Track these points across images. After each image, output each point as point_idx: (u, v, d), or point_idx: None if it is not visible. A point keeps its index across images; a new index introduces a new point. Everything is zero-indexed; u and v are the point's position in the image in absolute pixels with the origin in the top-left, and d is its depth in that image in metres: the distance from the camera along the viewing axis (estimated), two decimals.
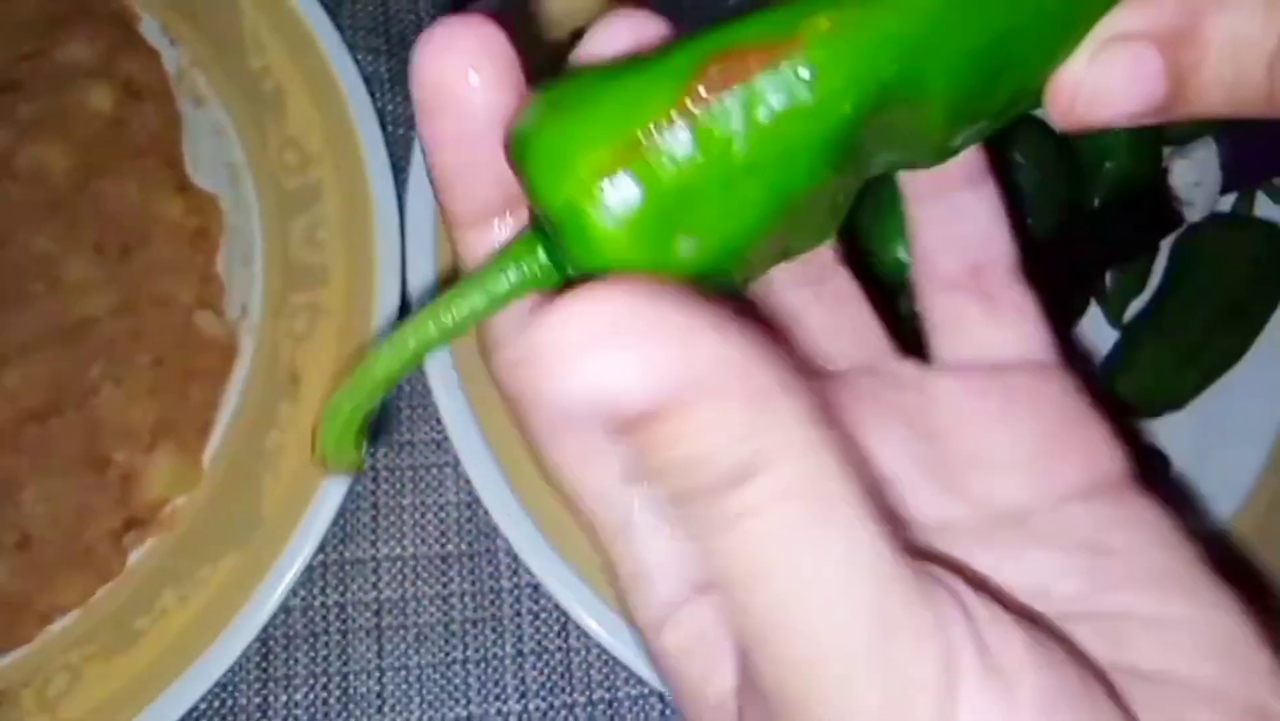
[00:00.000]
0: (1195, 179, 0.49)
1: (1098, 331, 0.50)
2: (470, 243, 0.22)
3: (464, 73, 0.20)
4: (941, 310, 0.25)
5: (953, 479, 0.23)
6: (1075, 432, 0.24)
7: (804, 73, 0.18)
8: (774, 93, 0.18)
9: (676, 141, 0.18)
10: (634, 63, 0.19)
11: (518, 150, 0.19)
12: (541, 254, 0.20)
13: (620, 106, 0.18)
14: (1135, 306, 0.51)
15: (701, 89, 0.18)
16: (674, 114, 0.18)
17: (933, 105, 0.19)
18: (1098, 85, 0.21)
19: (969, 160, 0.25)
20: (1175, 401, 0.49)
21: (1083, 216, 0.49)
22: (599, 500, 0.22)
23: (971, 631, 0.18)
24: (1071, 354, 0.26)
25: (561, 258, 0.19)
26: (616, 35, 0.20)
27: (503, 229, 0.22)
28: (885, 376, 0.25)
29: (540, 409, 0.19)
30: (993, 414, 0.24)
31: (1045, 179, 0.49)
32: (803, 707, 0.17)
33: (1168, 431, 0.49)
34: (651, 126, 0.18)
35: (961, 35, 0.19)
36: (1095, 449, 0.24)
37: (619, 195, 0.18)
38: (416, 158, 0.50)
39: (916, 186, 0.25)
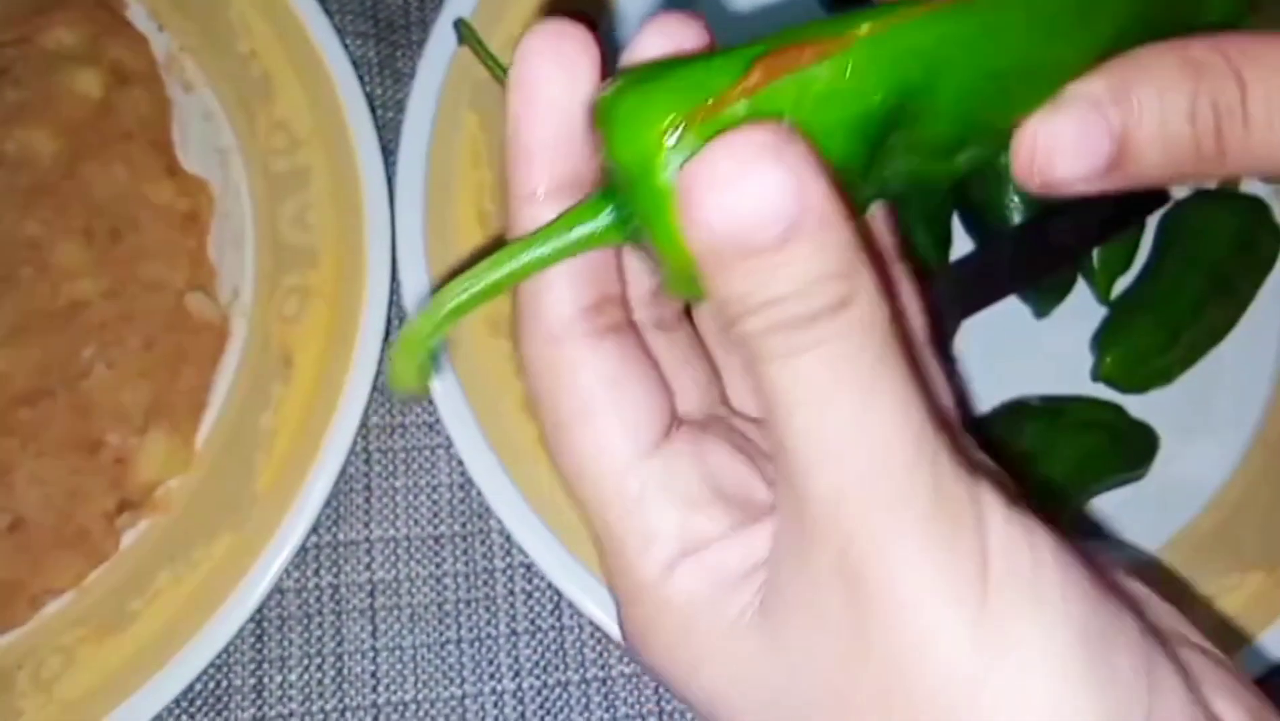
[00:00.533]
0: None
1: (1085, 308, 0.51)
2: (532, 216, 0.24)
3: (557, 70, 0.23)
4: None
5: None
6: None
7: (845, 65, 0.21)
8: (819, 79, 0.21)
9: (735, 111, 0.21)
10: (705, 54, 0.22)
11: (599, 115, 0.22)
12: (608, 214, 0.22)
13: (690, 83, 0.21)
14: (1123, 283, 0.51)
15: (759, 72, 0.21)
16: (736, 90, 0.21)
17: (943, 114, 0.23)
18: (1049, 140, 0.23)
19: (884, 244, 0.27)
20: (1163, 376, 0.50)
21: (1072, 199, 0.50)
22: (615, 477, 0.24)
23: (1001, 505, 0.21)
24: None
25: (627, 215, 0.22)
26: (668, 34, 0.23)
27: (562, 206, 0.24)
28: (722, 426, 0.26)
29: (696, 238, 0.21)
30: None
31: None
32: (850, 524, 0.21)
33: (1155, 406, 0.49)
34: (715, 99, 0.21)
35: (974, 59, 0.22)
36: None
37: (683, 153, 0.20)
38: (405, 140, 0.50)
39: None
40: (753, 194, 0.20)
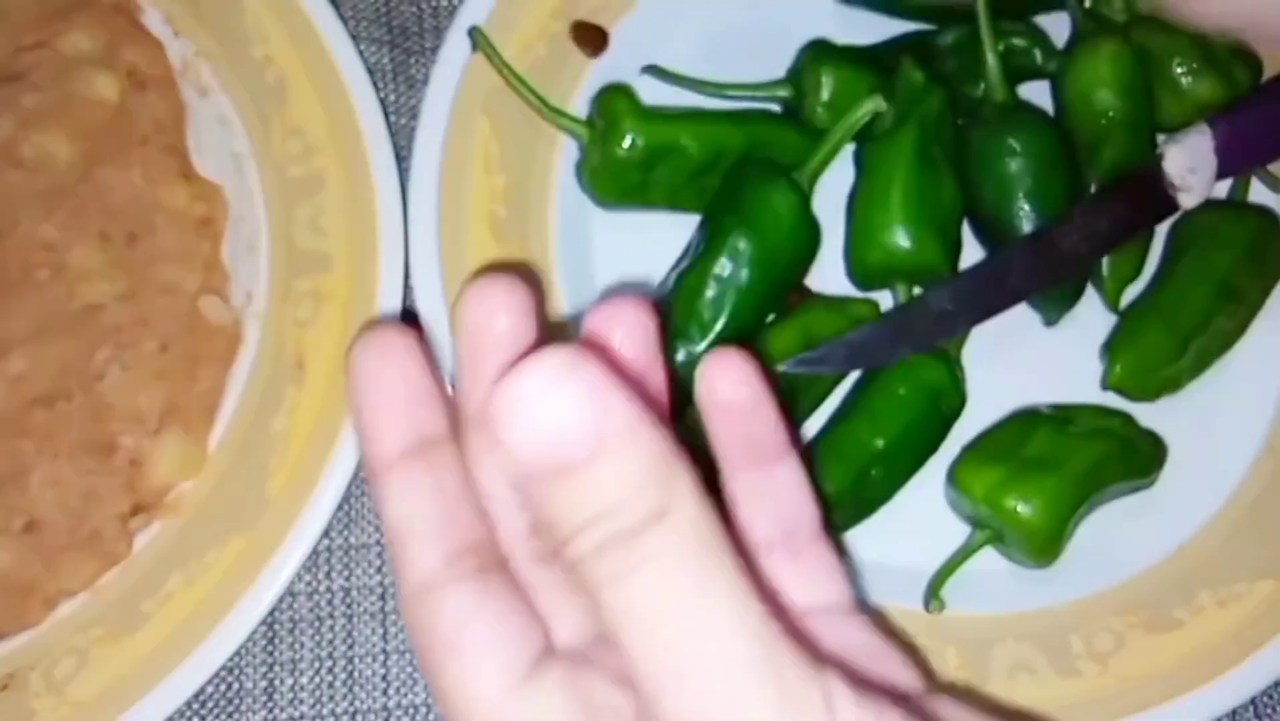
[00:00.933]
0: (1189, 165, 0.49)
1: (1095, 316, 0.51)
2: (389, 485, 0.26)
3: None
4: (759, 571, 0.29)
5: None
6: (876, 663, 0.28)
7: None
8: None
9: None
10: None
11: None
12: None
13: None
14: (1132, 291, 0.51)
15: None
16: None
17: None
18: None
19: (777, 437, 0.28)
20: (1172, 385, 0.50)
21: (1079, 203, 0.50)
22: (495, 709, 0.24)
23: (850, 691, 0.22)
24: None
25: None
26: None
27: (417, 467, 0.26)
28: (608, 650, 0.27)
29: (505, 465, 0.22)
30: None
31: (1043, 168, 0.49)
32: None
33: (1164, 414, 0.49)
34: None
35: None
36: (893, 674, 0.28)
37: None
38: (418, 145, 0.50)
39: (734, 462, 0.29)
40: (554, 413, 0.20)
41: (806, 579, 0.29)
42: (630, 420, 0.21)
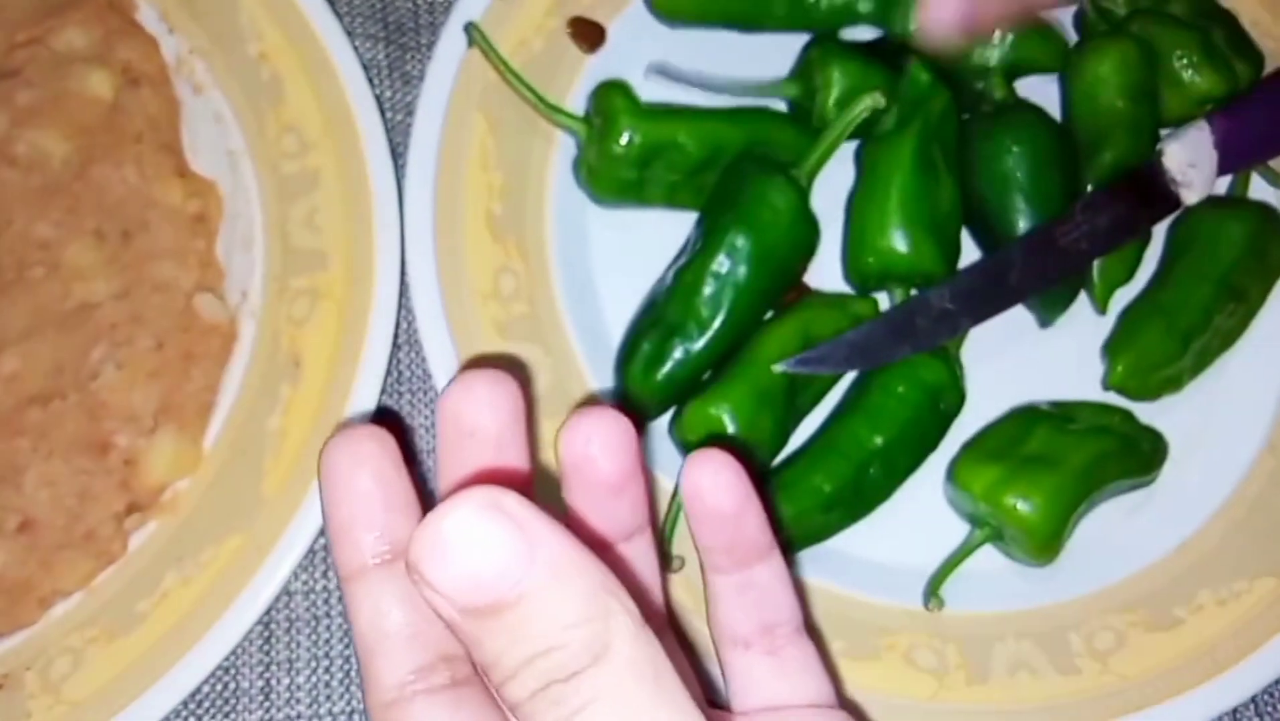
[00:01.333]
0: (1190, 160, 0.49)
1: (1094, 315, 0.51)
2: (364, 591, 0.26)
3: (358, 465, 0.25)
4: (735, 667, 0.29)
5: None
6: None
7: None
8: None
9: None
10: None
11: None
12: None
13: None
14: (1132, 291, 0.51)
15: None
16: None
17: None
18: None
19: (761, 539, 0.28)
20: (1173, 384, 0.49)
21: (1079, 200, 0.49)
22: None
23: None
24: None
25: None
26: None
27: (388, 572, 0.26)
28: None
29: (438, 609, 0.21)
30: None
31: (1041, 166, 0.49)
32: None
33: (1165, 412, 0.49)
34: None
35: None
36: None
37: None
38: (415, 142, 0.50)
39: (716, 561, 0.29)
40: (477, 552, 0.19)
41: (784, 675, 0.29)
42: (560, 556, 0.20)
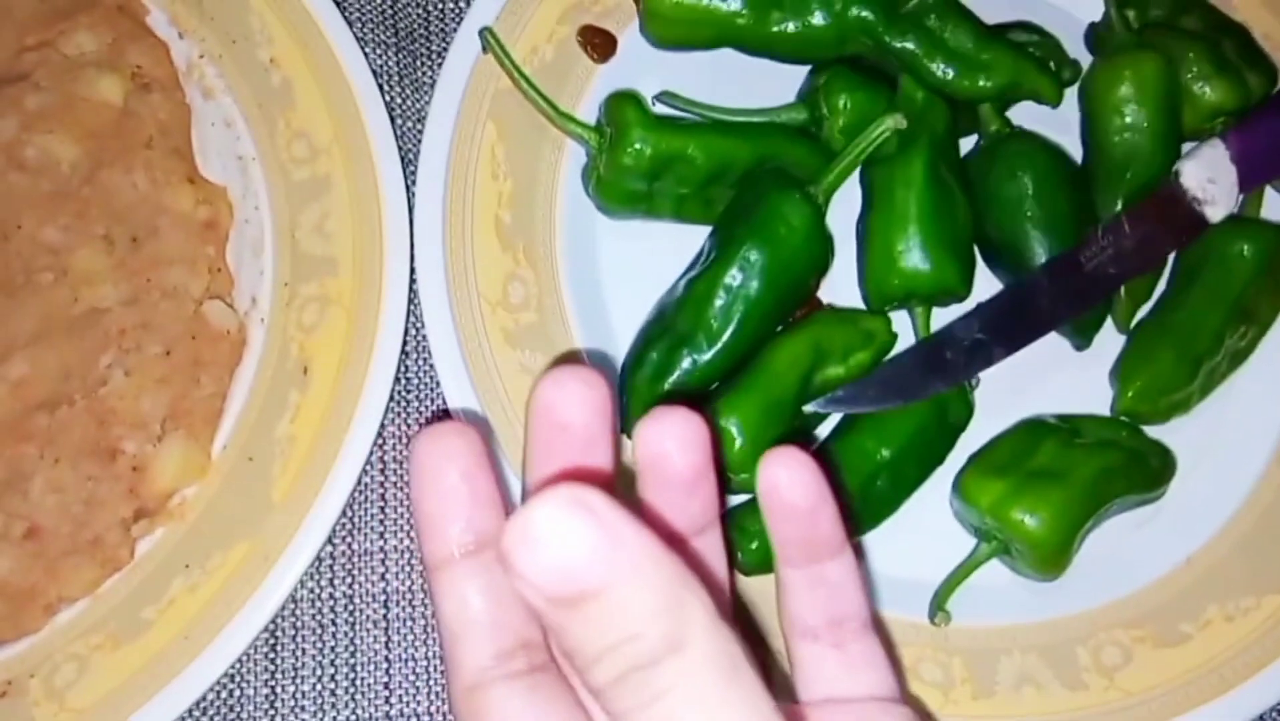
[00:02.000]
0: (1208, 176, 0.49)
1: (1105, 336, 0.51)
2: (450, 579, 0.27)
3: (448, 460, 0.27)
4: (803, 658, 0.30)
5: None
6: None
7: None
8: None
9: None
10: None
11: None
12: None
13: None
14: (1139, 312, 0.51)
15: None
16: None
17: None
18: None
19: (834, 536, 0.29)
20: (1182, 408, 0.49)
21: (1101, 224, 0.49)
22: None
23: None
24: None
25: None
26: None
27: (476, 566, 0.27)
28: None
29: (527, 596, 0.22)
30: None
31: (1045, 193, 0.49)
32: None
33: (1173, 429, 0.49)
34: None
35: None
36: None
37: None
38: (425, 149, 0.50)
39: (789, 555, 0.29)
40: (563, 546, 0.21)
41: (850, 669, 0.29)
42: (640, 551, 0.21)
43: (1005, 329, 0.48)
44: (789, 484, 0.28)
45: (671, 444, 0.27)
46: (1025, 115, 0.52)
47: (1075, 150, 0.52)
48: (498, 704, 0.25)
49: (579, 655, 0.22)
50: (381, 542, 0.48)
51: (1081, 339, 0.50)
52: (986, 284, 0.50)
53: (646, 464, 0.27)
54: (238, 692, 0.46)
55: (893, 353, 0.49)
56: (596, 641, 0.21)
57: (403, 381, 0.50)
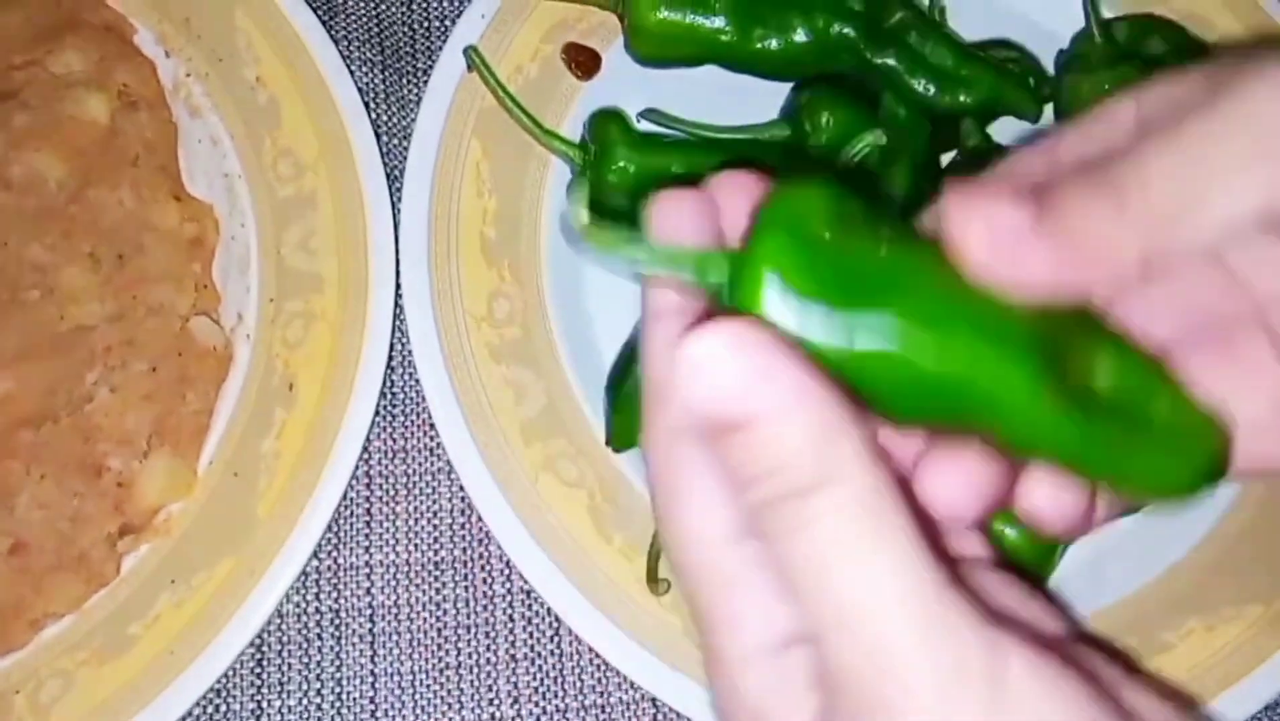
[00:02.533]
0: None
1: None
2: (664, 331, 0.27)
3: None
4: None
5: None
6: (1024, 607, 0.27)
7: None
8: None
9: None
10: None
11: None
12: (723, 272, 0.25)
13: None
14: None
15: None
16: None
17: None
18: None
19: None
20: None
21: None
22: (712, 551, 0.25)
23: (1026, 659, 0.22)
24: None
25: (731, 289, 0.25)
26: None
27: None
28: None
29: (681, 414, 0.24)
30: None
31: None
32: (869, 690, 0.22)
33: None
34: None
35: None
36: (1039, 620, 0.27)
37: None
38: (410, 166, 0.50)
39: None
40: (723, 376, 0.22)
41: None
42: (792, 390, 0.22)
43: None
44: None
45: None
46: (1006, 130, 0.52)
47: None
48: (691, 452, 0.25)
49: (738, 474, 0.23)
50: (367, 557, 0.48)
51: None
52: None
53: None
54: (224, 707, 0.46)
55: None
56: (749, 467, 0.23)
57: (388, 396, 0.50)
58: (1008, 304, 0.24)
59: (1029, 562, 0.45)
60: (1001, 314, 0.24)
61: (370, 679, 0.47)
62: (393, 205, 0.50)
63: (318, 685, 0.47)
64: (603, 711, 0.47)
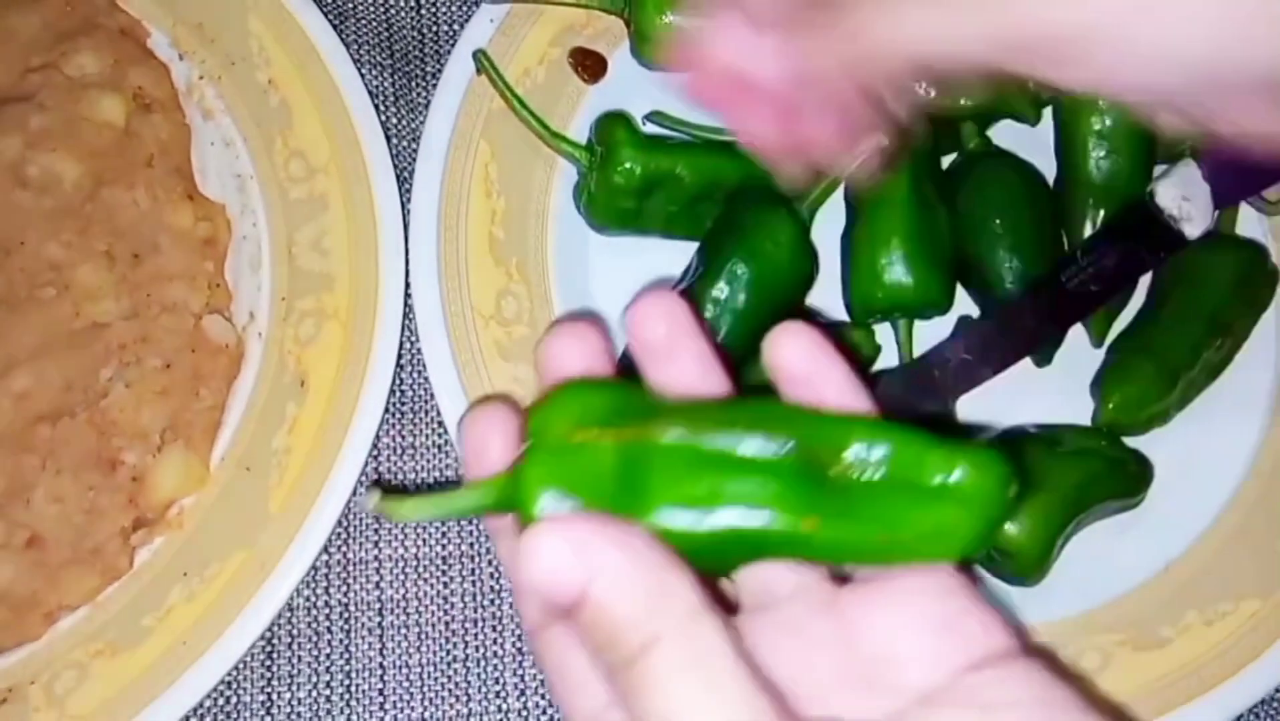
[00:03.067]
0: (1182, 194, 0.50)
1: (1079, 351, 0.52)
2: None
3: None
4: None
5: (871, 679, 0.27)
6: (965, 620, 0.28)
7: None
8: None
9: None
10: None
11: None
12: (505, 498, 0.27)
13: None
14: (1118, 324, 0.52)
15: None
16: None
17: None
18: None
19: (852, 401, 0.30)
20: (1161, 419, 0.50)
21: (1081, 244, 0.50)
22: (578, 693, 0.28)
23: None
24: None
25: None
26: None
27: None
28: (806, 601, 0.28)
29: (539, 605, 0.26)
30: (898, 616, 0.28)
31: (1016, 215, 0.50)
32: None
33: (1151, 438, 0.50)
34: None
35: None
36: (988, 630, 0.28)
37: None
38: (420, 167, 0.51)
39: None
40: (543, 564, 0.24)
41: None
42: (614, 557, 0.24)
43: (992, 349, 0.49)
44: (791, 354, 0.30)
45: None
46: (1005, 135, 0.53)
47: (1053, 167, 0.53)
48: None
49: (590, 650, 0.25)
50: (376, 551, 0.49)
51: (1043, 355, 0.51)
52: (959, 300, 0.51)
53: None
54: (234, 699, 0.47)
55: (876, 366, 0.50)
56: (592, 639, 0.25)
57: (397, 394, 0.51)
58: (755, 444, 0.27)
59: (1026, 560, 0.46)
60: (748, 462, 0.27)
61: (379, 671, 0.47)
62: (402, 206, 0.51)
63: (327, 677, 0.47)
64: None
